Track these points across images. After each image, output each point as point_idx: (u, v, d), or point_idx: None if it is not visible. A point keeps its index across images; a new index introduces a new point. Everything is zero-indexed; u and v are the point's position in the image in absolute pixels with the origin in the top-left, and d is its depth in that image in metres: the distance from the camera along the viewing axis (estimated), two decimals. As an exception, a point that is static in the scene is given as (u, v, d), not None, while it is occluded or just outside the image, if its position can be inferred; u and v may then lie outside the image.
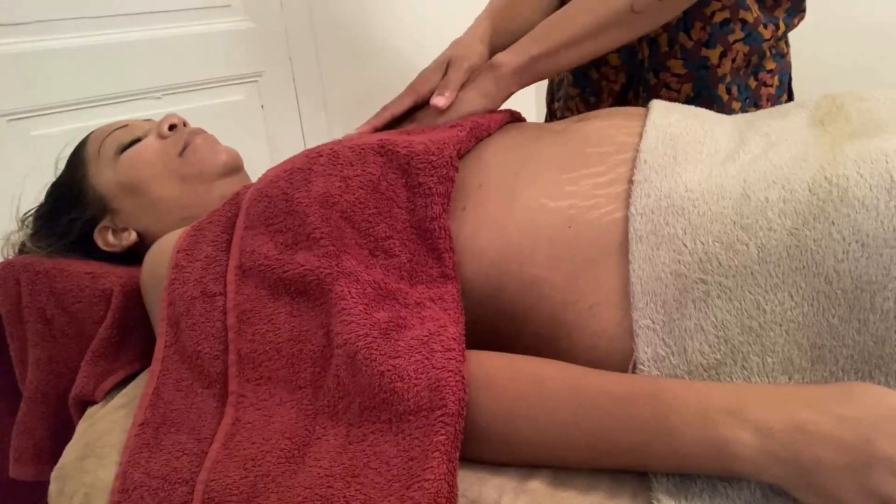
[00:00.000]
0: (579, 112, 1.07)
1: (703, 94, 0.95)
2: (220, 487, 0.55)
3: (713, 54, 0.92)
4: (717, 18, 0.91)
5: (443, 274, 0.63)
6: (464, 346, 0.57)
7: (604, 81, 1.03)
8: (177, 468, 0.58)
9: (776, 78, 0.97)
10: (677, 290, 0.55)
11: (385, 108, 0.85)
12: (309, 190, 0.66)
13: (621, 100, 1.03)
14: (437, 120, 0.81)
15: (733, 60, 0.93)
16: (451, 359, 0.54)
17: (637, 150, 0.63)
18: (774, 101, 0.98)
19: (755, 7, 0.91)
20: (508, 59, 0.81)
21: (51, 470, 0.68)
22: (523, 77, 0.82)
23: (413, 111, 0.86)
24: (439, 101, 0.81)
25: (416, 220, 0.65)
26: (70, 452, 0.68)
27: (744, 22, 0.91)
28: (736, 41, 0.92)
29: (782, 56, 0.97)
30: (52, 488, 0.66)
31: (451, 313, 0.60)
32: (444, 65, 0.85)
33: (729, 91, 0.94)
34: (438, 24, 1.98)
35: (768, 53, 0.95)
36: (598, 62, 1.02)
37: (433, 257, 0.64)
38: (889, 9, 1.72)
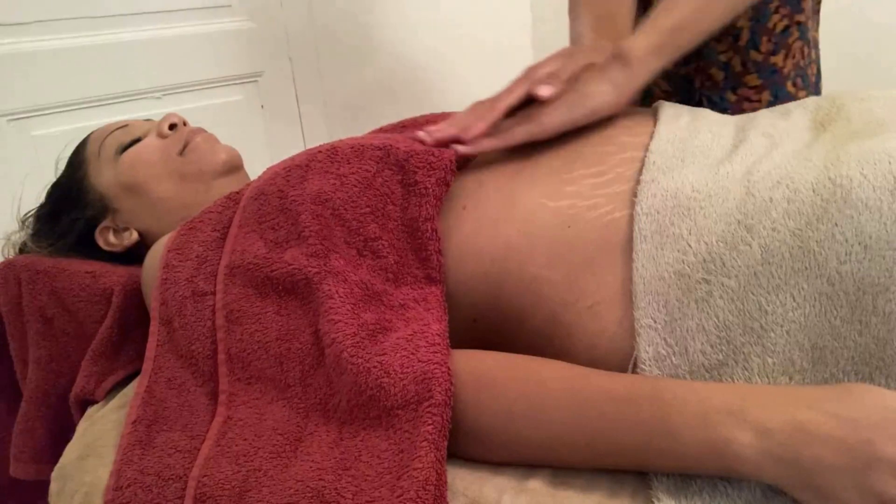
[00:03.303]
0: None
1: (779, 95, 1.03)
2: (213, 483, 0.55)
3: (779, 59, 1.02)
4: (779, 28, 1.00)
5: (428, 276, 0.63)
6: (447, 340, 0.57)
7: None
8: (169, 465, 0.59)
9: (815, 66, 1.08)
10: (680, 290, 0.55)
11: (498, 100, 0.70)
12: (304, 188, 0.67)
13: None
14: (546, 116, 0.68)
15: (793, 57, 1.03)
16: (435, 352, 0.55)
17: (643, 150, 0.63)
18: (817, 82, 1.09)
19: (806, 5, 1.01)
20: (637, 41, 0.71)
21: (51, 469, 0.68)
22: (663, 54, 0.72)
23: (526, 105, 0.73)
24: (543, 90, 0.68)
25: (409, 219, 0.64)
26: (70, 452, 0.68)
27: (798, 23, 1.01)
28: (794, 41, 1.02)
29: (816, 44, 1.10)
30: (53, 487, 0.66)
31: (434, 312, 0.60)
32: (561, 57, 0.73)
33: (794, 84, 1.04)
34: (438, 23, 1.99)
35: (813, 43, 1.06)
36: (650, 87, 1.07)
37: (420, 258, 0.64)
38: (888, 8, 1.72)
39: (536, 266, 0.61)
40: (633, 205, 0.59)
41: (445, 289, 0.63)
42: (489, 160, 0.70)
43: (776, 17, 1.00)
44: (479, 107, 0.71)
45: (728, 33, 1.01)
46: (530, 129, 0.68)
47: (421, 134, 0.69)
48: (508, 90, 0.71)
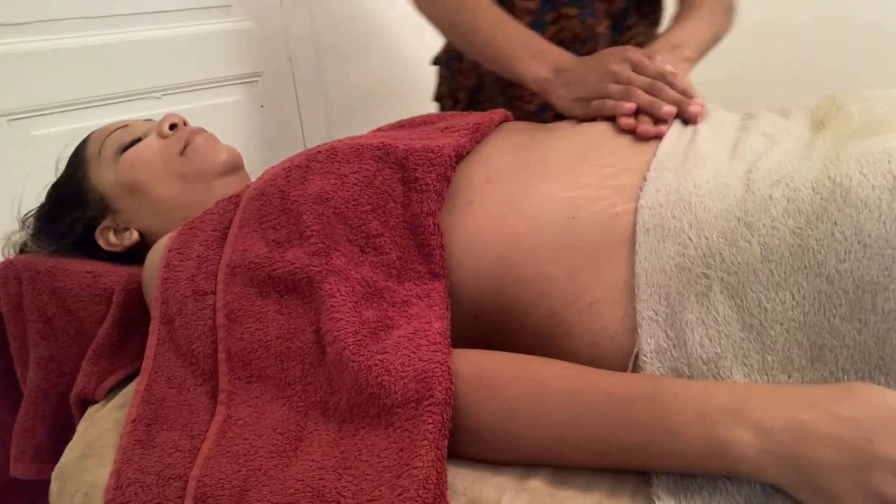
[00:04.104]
0: None
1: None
2: (213, 482, 0.55)
3: None
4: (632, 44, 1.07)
5: (431, 272, 0.64)
6: (449, 339, 0.57)
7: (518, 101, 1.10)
8: (170, 464, 0.59)
9: None
10: (681, 284, 0.55)
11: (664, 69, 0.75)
12: (305, 188, 0.67)
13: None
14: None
15: None
16: (436, 351, 0.55)
17: (655, 144, 0.64)
18: None
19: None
20: (692, 42, 0.87)
21: (51, 469, 0.68)
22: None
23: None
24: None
25: (410, 215, 0.65)
26: (71, 452, 0.68)
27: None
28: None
29: None
30: (53, 487, 0.66)
31: (437, 309, 0.60)
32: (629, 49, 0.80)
33: None
34: (438, 24, 1.99)
35: None
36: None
37: (423, 254, 0.64)
38: (885, 9, 1.72)
39: (540, 262, 0.61)
40: (637, 199, 0.59)
41: (448, 285, 0.63)
42: (499, 158, 0.70)
43: (631, 33, 1.08)
44: (659, 81, 0.74)
45: (589, 39, 1.05)
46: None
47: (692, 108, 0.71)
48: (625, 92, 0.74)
